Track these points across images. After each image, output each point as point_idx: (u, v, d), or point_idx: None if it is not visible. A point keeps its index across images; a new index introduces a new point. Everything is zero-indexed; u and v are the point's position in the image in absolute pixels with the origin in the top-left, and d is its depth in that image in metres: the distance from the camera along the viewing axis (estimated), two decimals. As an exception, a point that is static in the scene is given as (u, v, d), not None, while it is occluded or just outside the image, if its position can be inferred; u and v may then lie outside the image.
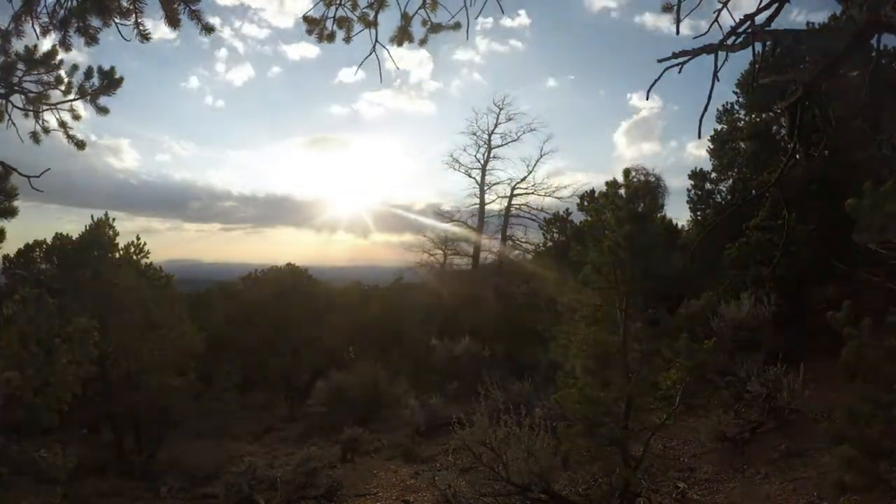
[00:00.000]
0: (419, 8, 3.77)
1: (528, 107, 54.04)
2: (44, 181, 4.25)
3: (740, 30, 3.43)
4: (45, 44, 3.97)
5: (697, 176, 14.19)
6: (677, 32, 3.61)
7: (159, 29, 3.31)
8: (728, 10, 3.51)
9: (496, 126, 23.28)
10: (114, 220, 12.21)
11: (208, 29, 3.14)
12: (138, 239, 12.15)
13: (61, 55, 3.93)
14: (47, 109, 4.23)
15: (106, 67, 4.21)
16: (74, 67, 4.08)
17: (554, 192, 22.52)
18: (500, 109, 23.19)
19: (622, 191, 6.01)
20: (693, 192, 14.25)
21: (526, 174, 22.99)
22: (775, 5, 3.41)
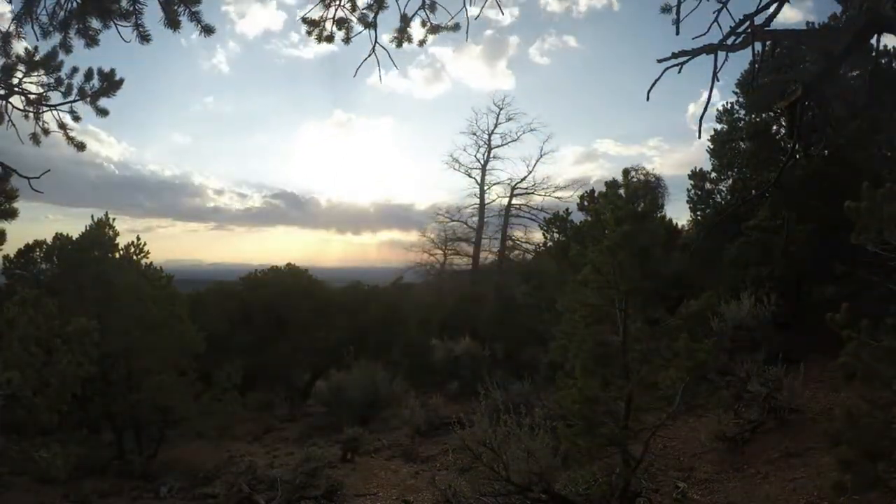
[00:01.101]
0: (419, 9, 3.78)
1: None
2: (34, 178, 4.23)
3: (740, 30, 3.43)
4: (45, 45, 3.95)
5: (697, 176, 14.15)
6: (677, 32, 3.61)
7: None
8: (728, 10, 3.52)
9: (496, 126, 23.35)
10: (114, 219, 12.24)
11: (208, 30, 3.14)
12: (138, 239, 12.18)
13: (60, 56, 3.92)
14: (47, 111, 4.22)
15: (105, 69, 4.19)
16: (74, 69, 4.07)
17: (554, 191, 22.60)
18: (500, 109, 23.28)
19: (622, 190, 6.02)
20: (693, 191, 14.22)
21: (526, 174, 23.07)
22: (775, 5, 3.41)
